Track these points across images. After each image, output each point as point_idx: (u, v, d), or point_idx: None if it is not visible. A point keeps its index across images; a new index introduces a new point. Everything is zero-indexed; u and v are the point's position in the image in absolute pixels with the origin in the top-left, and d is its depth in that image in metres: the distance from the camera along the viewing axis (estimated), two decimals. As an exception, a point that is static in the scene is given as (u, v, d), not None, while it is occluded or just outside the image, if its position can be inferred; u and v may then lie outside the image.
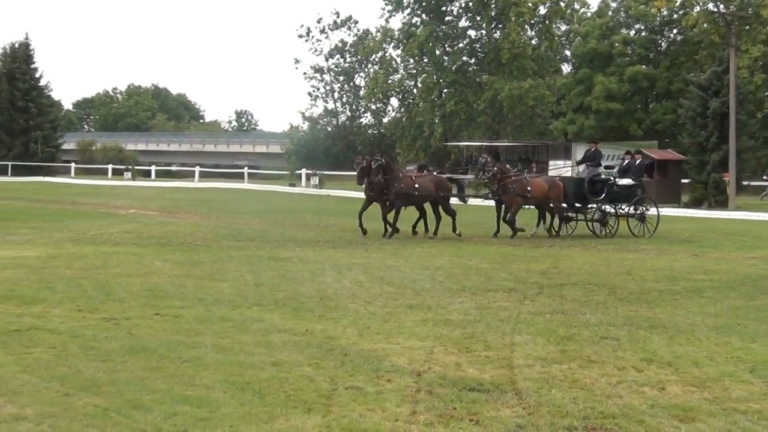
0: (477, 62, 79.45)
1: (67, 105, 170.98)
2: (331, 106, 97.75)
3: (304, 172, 73.66)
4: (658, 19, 74.79)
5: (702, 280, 17.26)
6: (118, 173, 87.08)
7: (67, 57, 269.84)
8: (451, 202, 28.19)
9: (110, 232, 25.66)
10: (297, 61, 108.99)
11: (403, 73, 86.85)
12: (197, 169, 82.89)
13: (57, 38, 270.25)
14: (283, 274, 16.91)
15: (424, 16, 78.80)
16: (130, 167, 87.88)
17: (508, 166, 30.37)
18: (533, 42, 77.11)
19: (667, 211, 41.37)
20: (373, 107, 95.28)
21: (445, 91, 79.08)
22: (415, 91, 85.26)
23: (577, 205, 28.77)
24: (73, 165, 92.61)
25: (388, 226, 26.21)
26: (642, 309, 13.56)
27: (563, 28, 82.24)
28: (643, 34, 76.76)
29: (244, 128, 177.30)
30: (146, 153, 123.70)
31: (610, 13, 77.51)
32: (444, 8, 78.79)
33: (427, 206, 27.28)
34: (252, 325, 11.70)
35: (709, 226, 34.80)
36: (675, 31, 75.69)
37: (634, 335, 11.41)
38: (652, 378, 9.25)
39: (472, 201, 30.89)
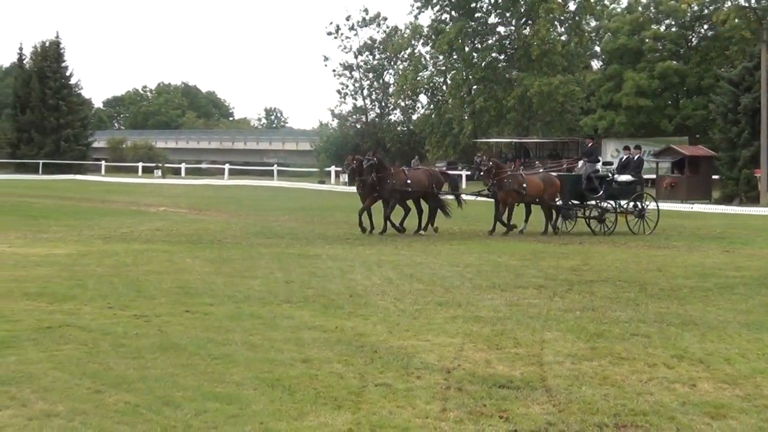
0: (506, 58, 79.32)
1: (98, 103, 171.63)
2: (360, 103, 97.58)
3: (333, 169, 73.61)
4: (689, 14, 74.33)
5: (733, 276, 17.13)
6: (148, 171, 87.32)
7: (97, 55, 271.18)
8: (458, 202, 28.07)
9: (141, 230, 25.77)
10: (326, 59, 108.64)
11: (433, 69, 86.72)
12: (227, 166, 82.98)
13: (87, 37, 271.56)
14: (313, 272, 16.92)
15: (453, 12, 78.76)
16: (160, 165, 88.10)
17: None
18: (563, 38, 76.88)
19: (698, 207, 41.28)
20: (402, 104, 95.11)
21: (474, 87, 78.97)
22: (444, 87, 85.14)
23: (575, 202, 28.34)
24: (103, 163, 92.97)
25: (389, 224, 26.05)
26: (673, 306, 13.48)
27: (593, 24, 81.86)
28: (673, 29, 76.34)
29: (274, 126, 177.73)
30: (176, 151, 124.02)
31: (640, 8, 77.05)
32: (473, 4, 78.70)
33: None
34: (282, 322, 11.72)
35: (740, 222, 34.54)
36: (706, 26, 75.21)
37: (665, 332, 11.34)
38: (683, 375, 9.20)
39: (465, 197, 29.56)
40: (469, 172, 29.26)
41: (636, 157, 29.12)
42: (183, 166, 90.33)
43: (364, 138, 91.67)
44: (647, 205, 28.49)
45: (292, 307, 12.91)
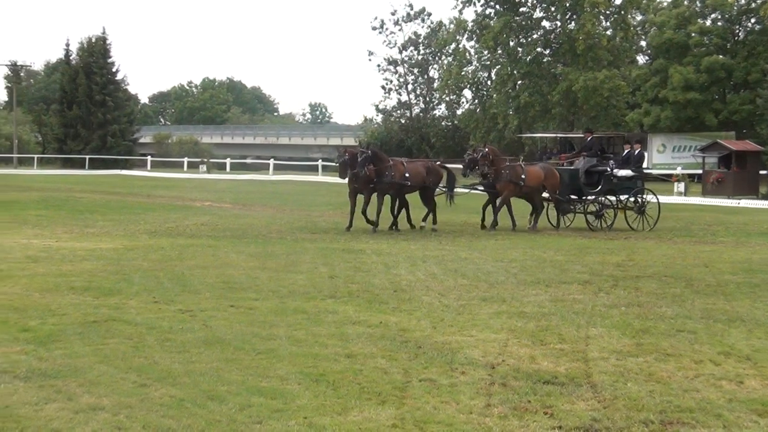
0: (551, 53, 78.93)
1: (144, 99, 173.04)
2: (404, 98, 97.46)
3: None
4: (735, 8, 73.67)
5: (781, 272, 16.98)
6: (193, 166, 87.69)
7: (143, 51, 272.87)
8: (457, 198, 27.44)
9: (186, 225, 25.89)
10: (371, 54, 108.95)
11: (477, 64, 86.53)
12: (271, 161, 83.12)
13: (134, 32, 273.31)
14: (357, 266, 16.94)
15: (498, 7, 78.41)
16: (206, 160, 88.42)
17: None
18: (608, 32, 76.40)
19: (745, 202, 40.95)
20: (447, 99, 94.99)
21: (519, 82, 78.67)
22: (489, 82, 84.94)
23: (573, 197, 27.64)
24: (149, 158, 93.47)
25: (388, 219, 25.65)
26: (719, 302, 13.37)
27: (639, 18, 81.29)
28: (719, 23, 75.67)
29: (318, 121, 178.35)
30: (221, 146, 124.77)
31: (686, 2, 76.42)
32: (518, -1, 78.46)
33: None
34: (326, 317, 11.73)
35: (788, 217, 34.23)
36: (753, 20, 74.47)
37: (712, 328, 11.26)
38: (729, 372, 9.14)
39: (459, 190, 28.27)
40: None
41: (637, 152, 28.61)
42: (228, 161, 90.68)
43: (408, 133, 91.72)
44: (648, 200, 27.86)
45: (336, 302, 12.93)
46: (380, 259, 18.10)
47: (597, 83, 70.57)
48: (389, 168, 25.34)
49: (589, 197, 27.29)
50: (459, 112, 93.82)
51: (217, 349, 9.71)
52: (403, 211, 26.29)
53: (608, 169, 27.42)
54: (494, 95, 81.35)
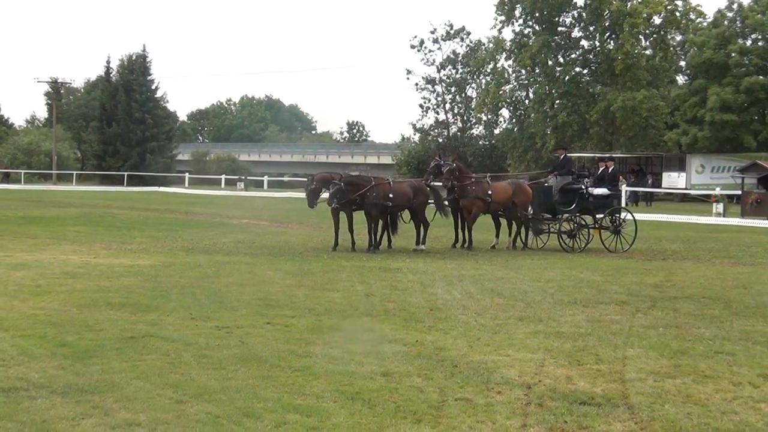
0: (590, 73, 78.82)
1: (182, 116, 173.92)
2: (442, 117, 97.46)
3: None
4: (776, 28, 73.29)
5: (821, 294, 16.83)
6: (231, 183, 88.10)
7: (183, 69, 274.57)
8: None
9: (223, 242, 25.98)
10: (409, 72, 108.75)
11: (515, 83, 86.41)
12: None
13: (173, 50, 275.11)
14: (394, 285, 16.94)
15: (536, 26, 78.42)
16: (243, 177, 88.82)
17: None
18: (647, 52, 76.19)
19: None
20: (484, 118, 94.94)
21: (557, 102, 78.55)
22: (526, 102, 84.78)
23: (546, 216, 26.93)
24: (187, 175, 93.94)
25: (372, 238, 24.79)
26: (758, 324, 13.27)
27: (678, 38, 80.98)
28: (760, 44, 75.18)
29: (356, 139, 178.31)
30: (259, 163, 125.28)
31: (726, 22, 76.07)
32: (556, 18, 78.29)
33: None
34: (362, 335, 11.75)
35: (828, 239, 33.91)
36: (793, 41, 74.11)
37: (750, 350, 11.17)
38: (768, 394, 9.07)
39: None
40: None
41: (611, 170, 27.41)
42: (265, 178, 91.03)
43: (445, 152, 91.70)
44: (625, 220, 26.93)
45: (372, 320, 12.95)
46: (416, 278, 18.09)
47: (635, 103, 70.37)
48: (372, 188, 24.64)
49: (563, 216, 26.41)
50: (496, 131, 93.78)
51: (253, 366, 9.72)
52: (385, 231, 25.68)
53: (583, 188, 26.51)
54: (532, 114, 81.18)
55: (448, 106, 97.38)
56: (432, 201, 26.27)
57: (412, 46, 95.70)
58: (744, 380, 9.61)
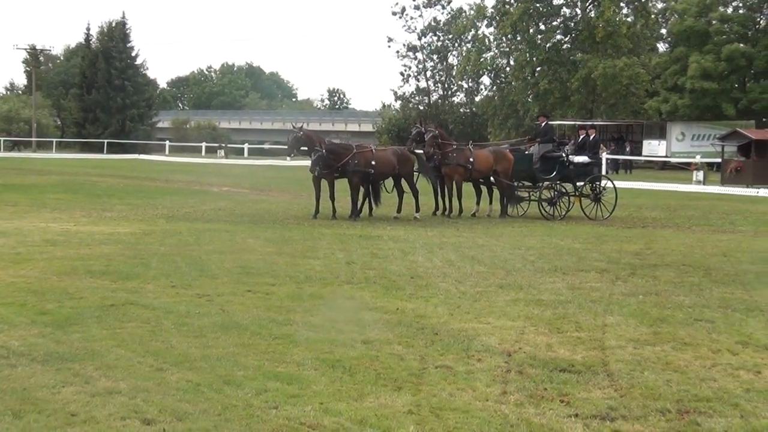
0: (571, 40, 78.80)
1: (162, 83, 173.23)
2: (423, 84, 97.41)
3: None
4: (757, -5, 73.32)
5: (800, 262, 16.90)
6: (211, 151, 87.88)
7: (162, 36, 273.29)
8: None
9: (203, 210, 25.94)
10: (390, 40, 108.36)
11: (496, 51, 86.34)
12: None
13: (153, 17, 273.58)
14: (374, 253, 16.94)
15: (517, -7, 78.33)
16: (224, 145, 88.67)
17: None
18: (629, 20, 76.15)
19: (764, 192, 40.72)
20: (465, 86, 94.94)
21: (538, 69, 78.53)
22: (507, 69, 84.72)
23: (526, 183, 27.02)
24: (167, 143, 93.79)
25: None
26: (738, 291, 13.32)
27: (660, 5, 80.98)
28: (741, 11, 75.21)
29: (337, 107, 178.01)
30: (239, 131, 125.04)
31: (707, -11, 76.11)
32: (538, -14, 78.23)
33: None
34: (343, 303, 11.77)
35: (807, 207, 34.03)
36: (775, 8, 74.11)
37: (730, 318, 11.22)
38: (747, 361, 9.10)
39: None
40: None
41: (592, 138, 27.31)
42: (246, 146, 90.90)
43: (426, 119, 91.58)
44: (605, 187, 26.90)
45: (353, 288, 12.95)
46: (397, 246, 18.10)
47: (616, 71, 70.46)
48: (353, 156, 24.48)
49: (543, 183, 26.37)
50: (477, 98, 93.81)
51: (233, 334, 9.72)
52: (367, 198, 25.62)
53: (563, 156, 26.48)
54: (513, 82, 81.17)
55: (429, 73, 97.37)
56: (417, 169, 26.05)
57: (394, 13, 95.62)
58: (723, 347, 9.64)
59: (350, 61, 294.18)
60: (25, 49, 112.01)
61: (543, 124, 27.98)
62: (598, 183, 27.07)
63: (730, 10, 74.97)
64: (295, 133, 25.57)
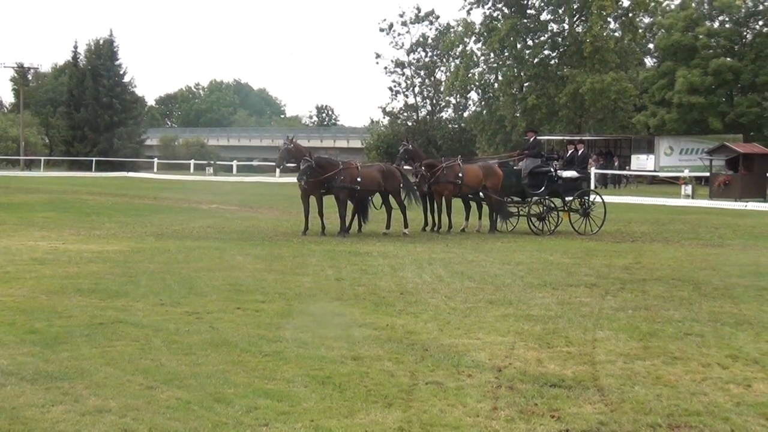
0: (558, 55, 78.92)
1: (150, 101, 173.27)
2: (411, 100, 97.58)
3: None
4: (743, 10, 73.47)
5: (788, 275, 16.92)
6: (200, 168, 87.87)
7: (150, 53, 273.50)
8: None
9: (192, 227, 25.91)
10: (378, 56, 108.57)
11: (484, 66, 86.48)
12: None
13: (141, 35, 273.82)
14: (364, 269, 16.94)
15: (505, 9, 78.44)
16: (212, 162, 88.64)
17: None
18: (616, 35, 76.38)
19: (752, 205, 40.84)
20: (453, 101, 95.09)
21: (526, 84, 78.73)
22: (495, 85, 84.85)
23: (515, 198, 26.91)
24: (155, 160, 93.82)
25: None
26: (727, 305, 13.34)
27: (647, 20, 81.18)
28: (727, 26, 75.49)
29: (325, 123, 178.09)
30: (228, 148, 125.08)
31: (693, 5, 76.23)
32: (525, 1, 78.39)
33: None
34: (333, 319, 11.77)
35: (795, 220, 34.10)
36: (761, 23, 74.31)
37: (719, 332, 11.24)
38: (737, 375, 9.11)
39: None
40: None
41: (581, 153, 27.36)
42: (234, 163, 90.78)
43: (415, 135, 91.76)
44: (594, 202, 26.88)
45: (342, 304, 12.95)
46: (387, 262, 18.10)
47: (604, 85, 70.59)
48: (340, 172, 24.53)
49: (532, 199, 26.38)
50: (466, 114, 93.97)
51: (223, 352, 9.71)
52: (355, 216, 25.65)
53: (552, 170, 26.53)
54: (501, 97, 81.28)
55: (417, 89, 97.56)
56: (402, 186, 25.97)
57: (381, 30, 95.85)
58: (713, 361, 9.66)
59: (338, 77, 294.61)
60: (13, 67, 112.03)
61: (531, 139, 27.98)
62: (586, 198, 27.06)
63: (716, 24, 75.24)
64: (286, 145, 25.65)
